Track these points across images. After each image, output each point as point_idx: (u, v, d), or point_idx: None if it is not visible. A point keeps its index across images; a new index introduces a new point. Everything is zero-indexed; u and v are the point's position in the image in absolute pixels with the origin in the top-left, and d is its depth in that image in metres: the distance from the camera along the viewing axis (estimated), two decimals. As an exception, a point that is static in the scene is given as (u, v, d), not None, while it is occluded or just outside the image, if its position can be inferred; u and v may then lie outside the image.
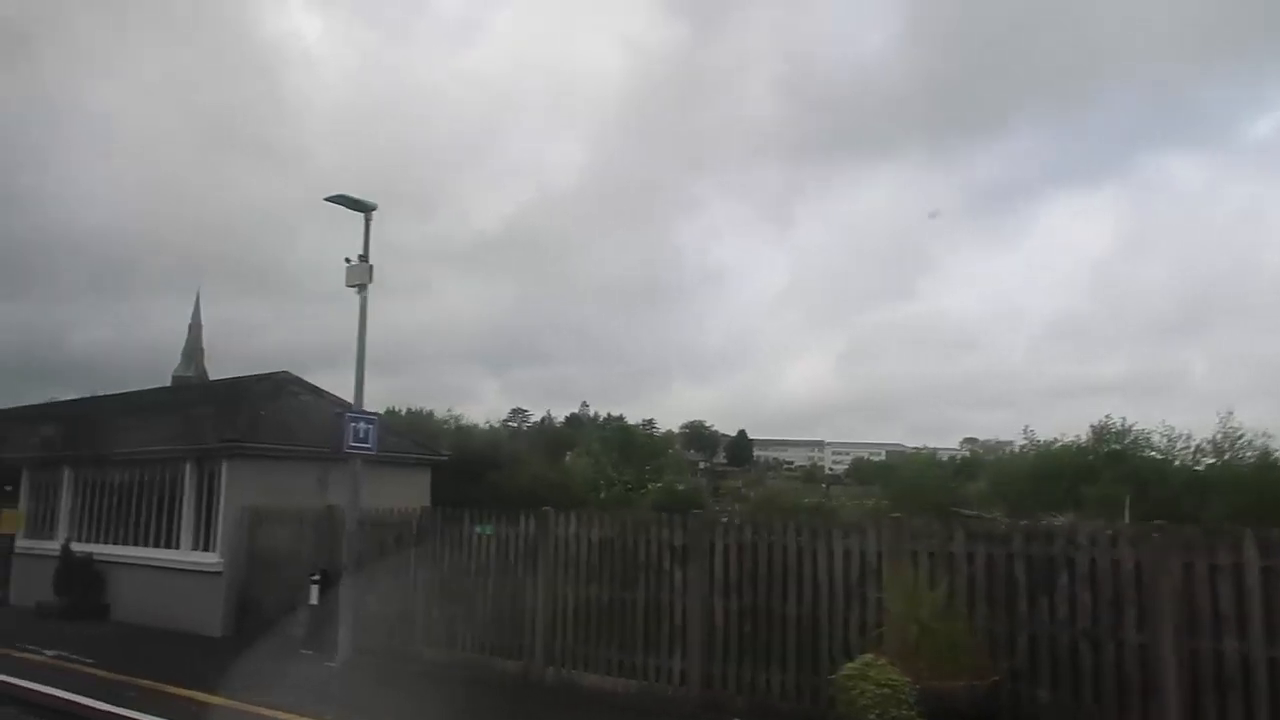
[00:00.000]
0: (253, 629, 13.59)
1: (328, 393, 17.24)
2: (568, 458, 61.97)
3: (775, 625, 8.75)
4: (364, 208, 12.05)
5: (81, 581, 15.73)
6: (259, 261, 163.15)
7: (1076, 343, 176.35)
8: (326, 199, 11.91)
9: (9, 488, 19.17)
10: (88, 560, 15.85)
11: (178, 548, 14.87)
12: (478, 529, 11.32)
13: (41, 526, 17.83)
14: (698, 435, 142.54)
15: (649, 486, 56.83)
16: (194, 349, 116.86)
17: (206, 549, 14.47)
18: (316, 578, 12.56)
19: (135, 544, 15.71)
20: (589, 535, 10.33)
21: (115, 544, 16.06)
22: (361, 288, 11.97)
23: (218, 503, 14.43)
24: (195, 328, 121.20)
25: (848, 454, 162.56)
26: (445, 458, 17.47)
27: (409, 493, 16.09)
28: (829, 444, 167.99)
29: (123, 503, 16.19)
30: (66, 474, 17.35)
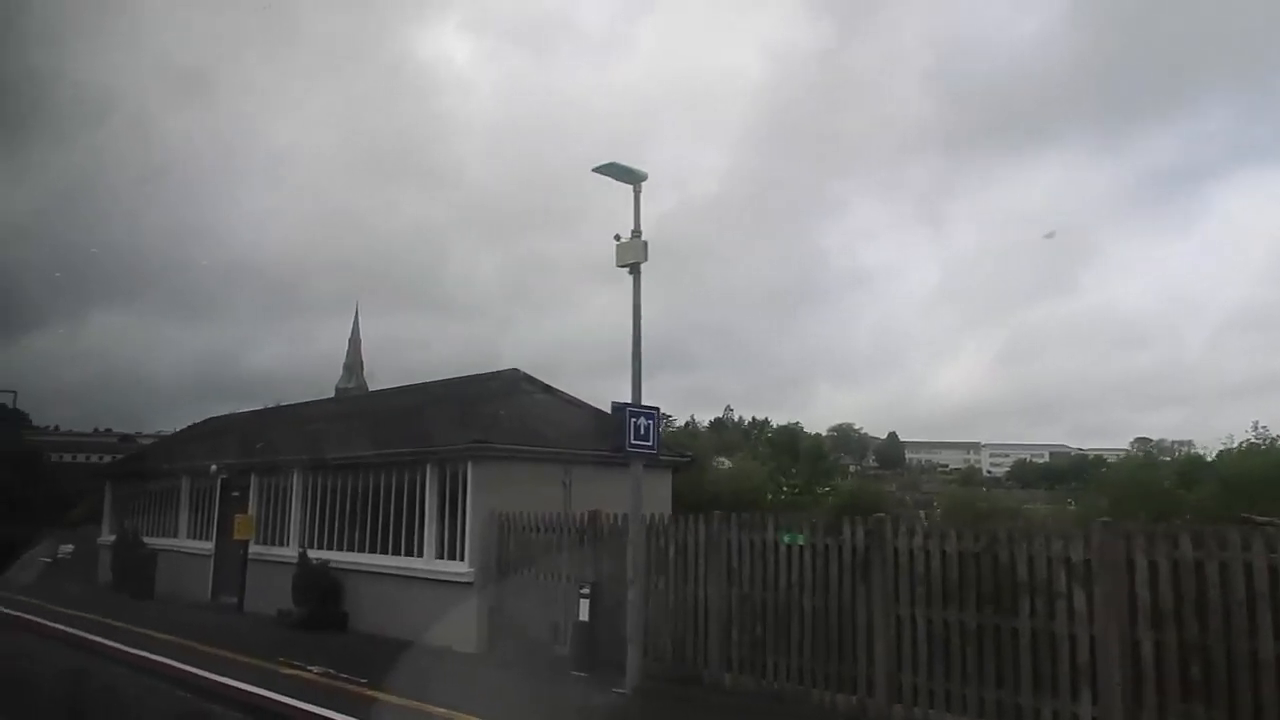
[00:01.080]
0: (509, 645, 12.55)
1: (559, 390, 16.20)
2: (721, 462, 60.32)
3: (1242, 670, 6.77)
4: (634, 178, 10.76)
5: (319, 590, 15.17)
6: (415, 278, 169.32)
7: (1265, 335, 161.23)
8: (595, 169, 10.67)
9: (236, 494, 19.08)
10: (324, 568, 15.28)
11: (420, 555, 14.03)
12: (785, 538, 9.78)
13: (272, 533, 17.54)
14: (846, 438, 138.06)
15: (821, 489, 54.58)
16: (354, 362, 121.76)
17: (452, 557, 13.55)
18: (586, 591, 11.34)
19: (372, 551, 15.02)
20: (942, 547, 8.60)
21: (350, 551, 15.44)
22: (634, 267, 10.66)
23: (462, 507, 13.49)
24: (355, 342, 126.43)
25: (1007, 456, 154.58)
26: (689, 459, 16.11)
27: (651, 496, 14.81)
28: (985, 445, 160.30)
29: (357, 508, 15.57)
30: (296, 479, 16.96)
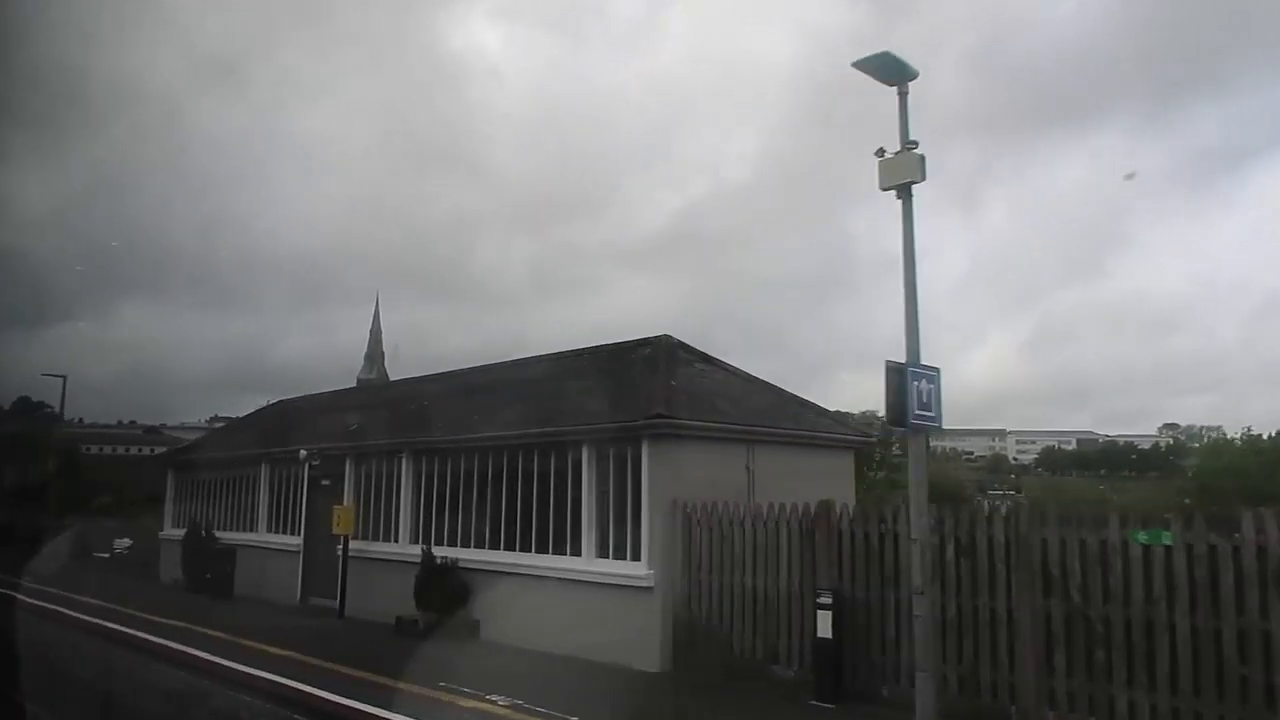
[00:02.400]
0: (704, 664, 10.28)
1: (719, 360, 13.91)
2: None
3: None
4: (903, 74, 8.41)
5: (444, 593, 12.96)
6: (441, 267, 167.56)
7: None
8: (855, 64, 8.34)
9: (326, 482, 16.91)
10: (451, 568, 13.06)
11: (575, 554, 11.77)
12: (1140, 537, 7.44)
13: (375, 526, 15.35)
14: (869, 426, 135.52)
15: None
16: (375, 352, 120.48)
17: (620, 556, 11.28)
18: (827, 600, 9.04)
19: (507, 548, 12.78)
20: None
21: (478, 548, 13.21)
22: (905, 188, 8.32)
23: (632, 496, 11.22)
24: (376, 332, 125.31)
25: (1033, 442, 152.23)
26: (874, 439, 13.79)
27: (832, 482, 12.55)
28: (1011, 432, 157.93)
29: (486, 498, 13.34)
30: (406, 465, 14.76)
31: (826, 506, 9.55)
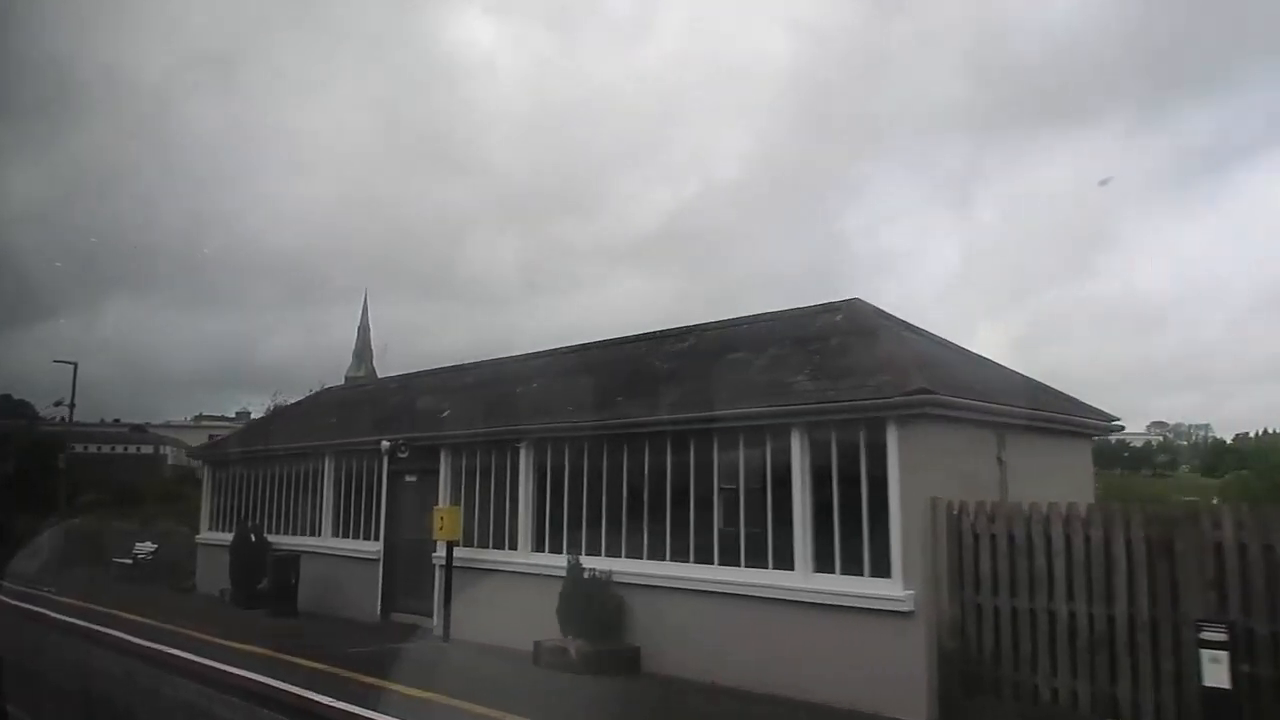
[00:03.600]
0: (991, 715, 7.88)
1: (923, 329, 11.51)
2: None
3: None
4: None
5: (596, 615, 10.50)
6: (431, 264, 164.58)
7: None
8: None
9: (411, 478, 14.42)
10: (605, 583, 10.59)
11: (784, 567, 9.34)
12: None
13: (482, 530, 12.86)
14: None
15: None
16: (364, 349, 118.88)
17: (854, 571, 8.84)
18: (1217, 637, 6.65)
19: (680, 559, 10.34)
20: None
21: (635, 558, 10.75)
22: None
23: (871, 494, 8.79)
24: (364, 329, 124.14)
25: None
26: (1120, 425, 11.43)
27: (1074, 479, 10.26)
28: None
29: (637, 497, 10.90)
30: (525, 457, 12.28)
31: (1192, 511, 7.16)
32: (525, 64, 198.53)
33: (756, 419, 9.63)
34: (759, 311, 12.45)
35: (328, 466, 16.00)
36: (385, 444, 14.12)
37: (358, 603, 14.63)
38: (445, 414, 14.33)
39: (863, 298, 11.62)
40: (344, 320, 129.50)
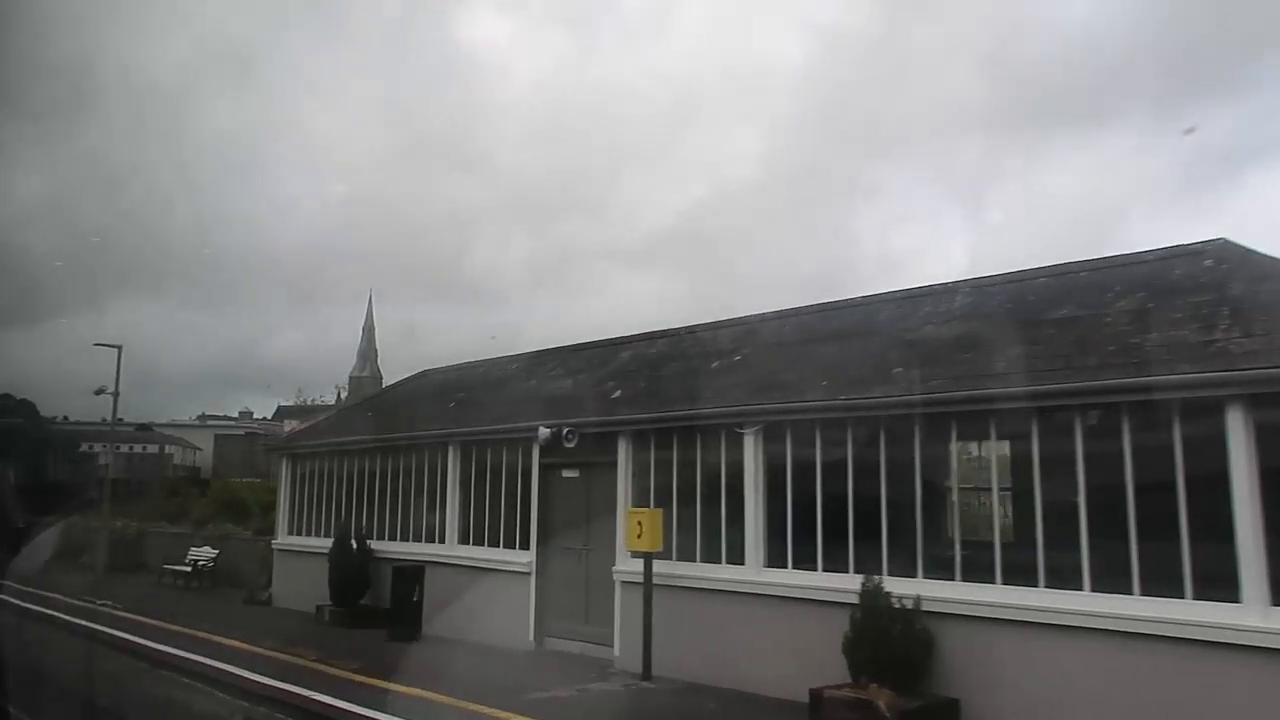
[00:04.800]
0: None
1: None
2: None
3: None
4: None
5: (904, 656, 7.81)
6: (439, 265, 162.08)
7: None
8: None
9: (570, 473, 11.75)
10: (913, 615, 7.89)
11: (1226, 596, 6.64)
12: None
13: (687, 540, 10.17)
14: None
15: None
16: (369, 350, 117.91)
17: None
18: None
19: (1021, 581, 7.65)
20: None
21: (951, 579, 8.06)
22: None
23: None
24: (369, 330, 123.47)
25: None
26: None
27: None
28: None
29: (936, 495, 8.23)
30: (753, 447, 9.59)
31: None
32: (539, 63, 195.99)
33: (1184, 389, 6.92)
34: (1064, 261, 9.73)
35: (452, 459, 13.32)
36: (543, 431, 11.44)
37: (501, 625, 11.94)
38: (616, 395, 11.65)
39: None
40: (353, 320, 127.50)
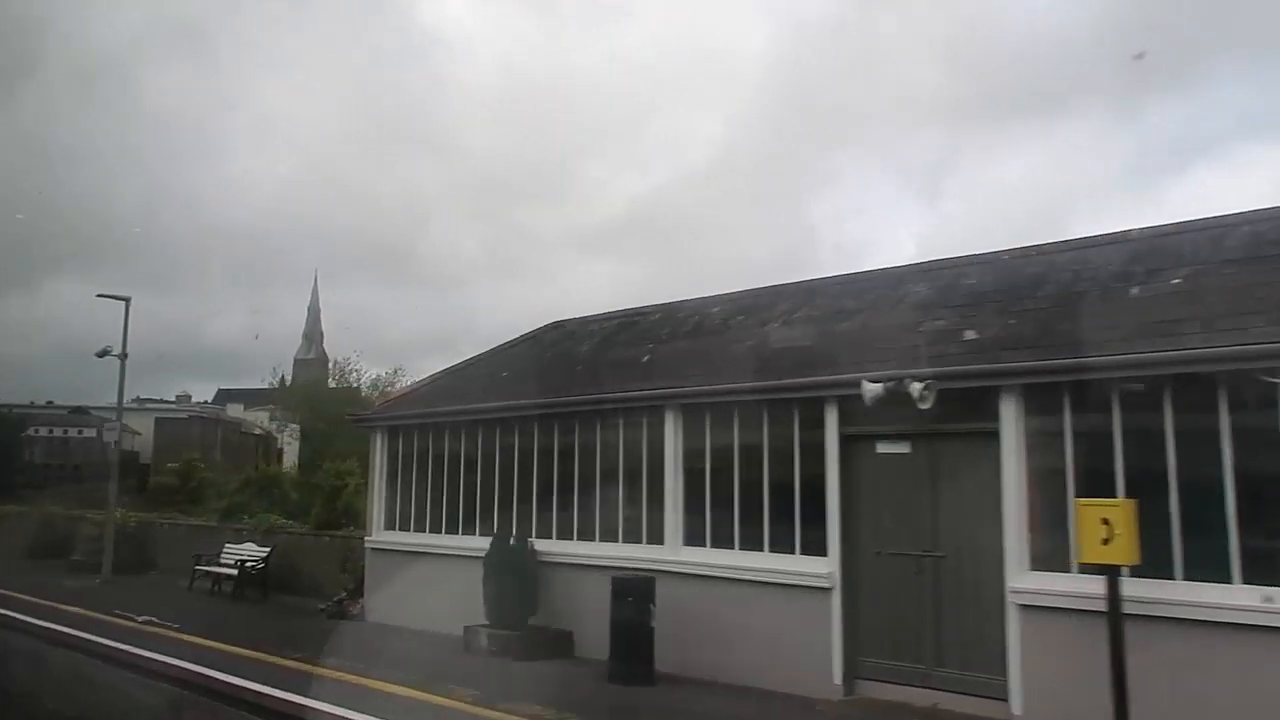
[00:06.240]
0: None
1: None
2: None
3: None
4: None
5: None
6: (393, 248, 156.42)
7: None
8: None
9: (894, 446, 8.34)
10: None
11: None
12: None
13: (1161, 545, 6.80)
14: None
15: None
16: (314, 331, 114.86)
17: None
18: None
19: None
20: None
21: None
22: None
23: None
24: (314, 310, 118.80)
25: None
26: None
27: None
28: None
29: None
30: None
31: None
32: (500, 43, 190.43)
33: None
34: None
35: (672, 430, 9.75)
36: (870, 387, 7.94)
37: (781, 661, 8.50)
38: (970, 336, 8.22)
39: None
40: (301, 303, 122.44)
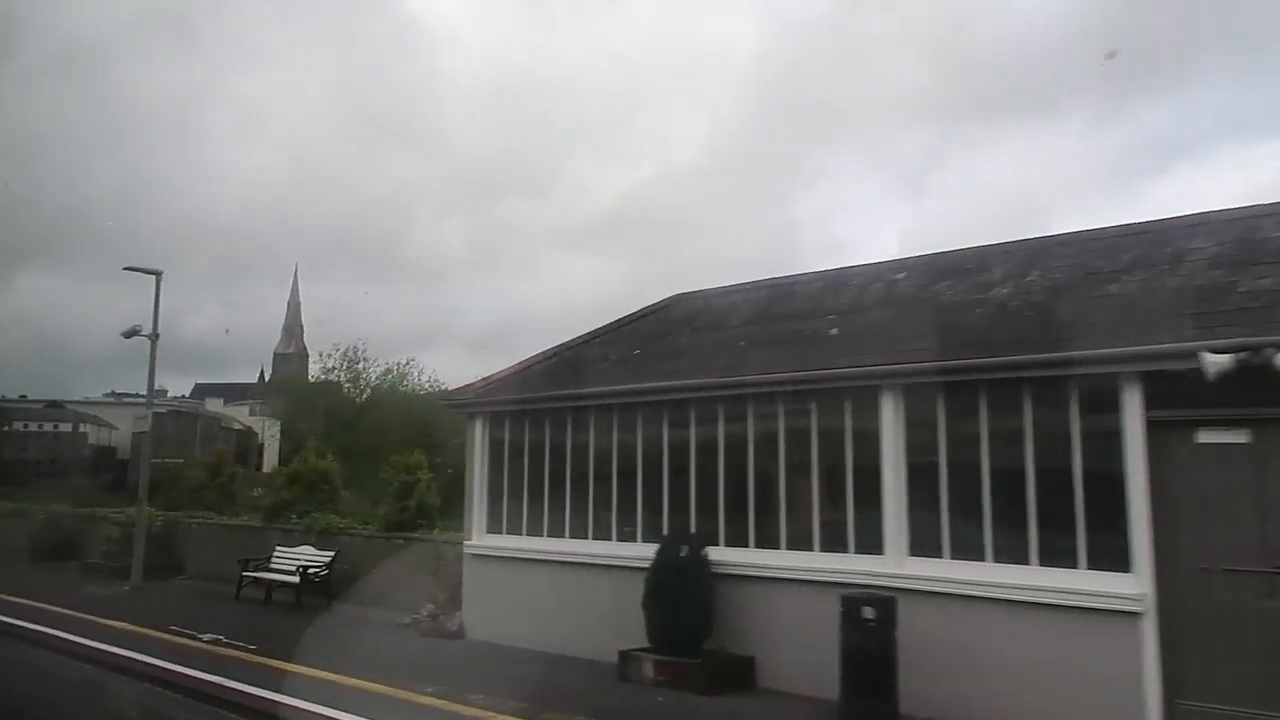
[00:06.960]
0: None
1: None
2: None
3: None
4: None
5: None
6: (377, 242, 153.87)
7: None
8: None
9: (1227, 435, 6.61)
10: None
11: None
12: None
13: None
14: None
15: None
16: (294, 325, 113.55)
17: None
18: None
19: None
20: None
21: None
22: None
23: None
24: (294, 304, 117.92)
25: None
26: None
27: None
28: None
29: None
30: None
31: None
32: (487, 36, 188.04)
33: None
34: None
35: (891, 416, 7.99)
36: (1212, 359, 6.24)
37: (1064, 708, 6.75)
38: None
39: None
40: (282, 298, 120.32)
